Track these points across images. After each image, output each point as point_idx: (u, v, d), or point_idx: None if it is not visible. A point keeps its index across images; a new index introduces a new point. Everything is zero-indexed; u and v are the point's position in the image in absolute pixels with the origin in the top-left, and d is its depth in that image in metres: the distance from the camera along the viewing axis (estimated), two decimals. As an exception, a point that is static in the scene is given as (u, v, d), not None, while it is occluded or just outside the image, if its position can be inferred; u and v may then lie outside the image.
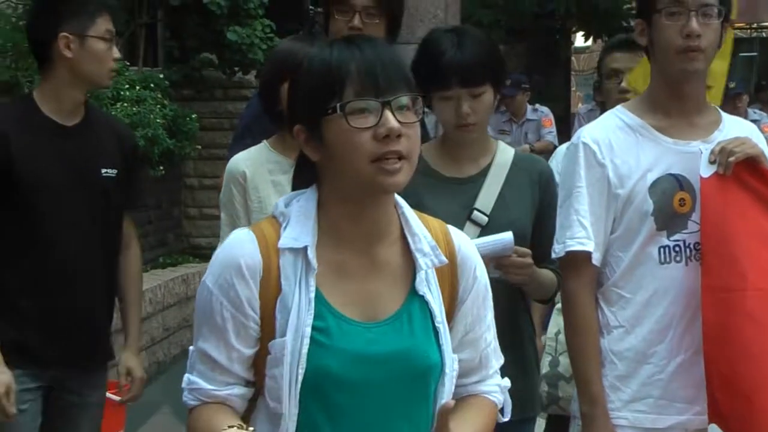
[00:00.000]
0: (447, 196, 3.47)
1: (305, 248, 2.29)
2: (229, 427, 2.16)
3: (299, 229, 2.30)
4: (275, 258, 2.29)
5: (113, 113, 8.68)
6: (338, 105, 2.24)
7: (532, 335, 3.73)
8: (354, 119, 2.24)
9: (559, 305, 4.15)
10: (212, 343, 2.30)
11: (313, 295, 2.27)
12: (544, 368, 4.50)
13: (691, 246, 3.35)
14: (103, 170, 4.07)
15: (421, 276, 2.36)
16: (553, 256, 3.48)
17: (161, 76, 9.90)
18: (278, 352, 2.26)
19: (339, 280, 2.32)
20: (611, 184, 3.38)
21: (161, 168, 9.43)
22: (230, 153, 4.23)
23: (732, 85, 9.11)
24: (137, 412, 5.73)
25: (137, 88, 9.22)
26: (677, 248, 3.35)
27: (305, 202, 2.34)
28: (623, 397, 3.39)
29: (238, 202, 3.74)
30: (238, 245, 2.31)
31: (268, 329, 2.29)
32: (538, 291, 3.56)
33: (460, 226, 3.34)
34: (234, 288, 2.27)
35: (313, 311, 2.26)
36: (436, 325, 2.36)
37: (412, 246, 2.36)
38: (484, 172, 3.54)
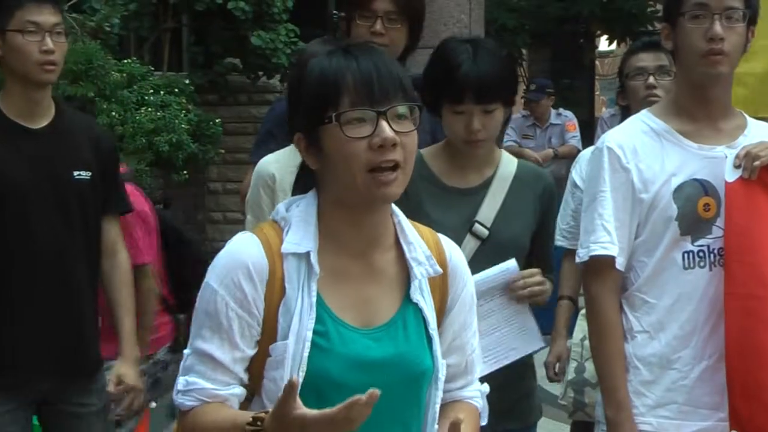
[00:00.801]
0: (449, 206, 3.44)
1: (308, 253, 2.33)
2: (265, 412, 2.16)
3: (301, 234, 2.34)
4: (279, 261, 2.32)
5: (137, 118, 8.72)
6: (334, 115, 2.28)
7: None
8: (349, 129, 2.27)
9: (584, 310, 4.14)
10: (216, 344, 2.31)
11: (314, 299, 2.31)
12: (570, 374, 4.49)
13: (715, 251, 3.33)
14: (76, 173, 3.96)
15: (415, 284, 2.40)
16: (577, 260, 3.47)
17: (186, 81, 9.94)
18: (279, 354, 2.30)
19: (338, 285, 2.36)
20: (635, 189, 3.37)
21: (185, 173, 9.46)
22: (253, 157, 4.23)
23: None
24: (160, 417, 5.72)
25: (162, 93, 9.26)
26: (701, 253, 3.34)
27: (305, 208, 2.37)
28: (647, 402, 3.37)
29: (266, 204, 3.74)
30: (244, 247, 2.34)
31: (269, 332, 2.32)
32: (538, 300, 3.52)
33: (461, 238, 3.35)
34: (241, 289, 2.30)
35: (314, 315, 2.31)
36: (430, 331, 2.41)
37: (408, 254, 2.41)
38: (486, 183, 3.50)
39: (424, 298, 2.41)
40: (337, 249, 2.35)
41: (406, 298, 2.40)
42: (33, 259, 3.89)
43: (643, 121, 3.46)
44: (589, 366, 4.32)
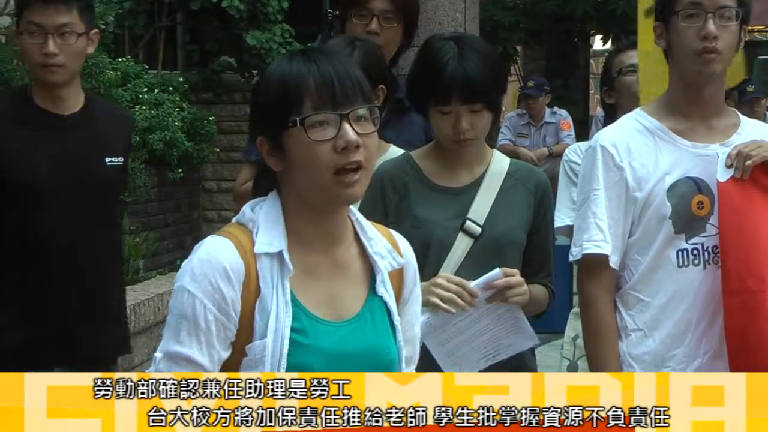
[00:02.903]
0: (440, 206, 3.42)
1: (280, 252, 2.37)
2: None
3: (271, 234, 2.38)
4: (253, 262, 2.36)
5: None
6: (298, 119, 2.33)
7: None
8: (313, 132, 2.33)
9: (576, 309, 4.14)
10: (195, 347, 2.33)
11: (289, 297, 2.36)
12: (563, 373, 4.49)
13: (710, 249, 3.34)
14: (108, 159, 4.01)
15: (379, 278, 2.47)
16: (570, 259, 3.47)
17: (180, 79, 9.93)
18: (258, 353, 2.33)
19: (308, 282, 2.40)
20: (629, 187, 3.37)
21: (180, 171, 9.46)
22: (246, 156, 4.24)
23: (750, 89, 9.06)
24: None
25: (156, 91, 9.25)
26: (695, 251, 3.34)
27: (270, 209, 2.42)
28: (642, 401, 3.38)
29: None
30: (219, 250, 2.36)
31: (244, 332, 2.35)
32: (531, 306, 3.46)
33: (453, 237, 3.34)
34: (220, 291, 2.33)
35: (291, 313, 2.35)
36: (394, 322, 2.48)
37: (369, 249, 2.47)
38: (478, 182, 3.48)
39: (387, 290, 2.48)
40: (304, 247, 2.40)
41: (371, 291, 2.47)
42: (57, 249, 3.91)
43: (636, 119, 3.46)
44: (582, 364, 4.32)
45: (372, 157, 2.39)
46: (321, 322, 2.39)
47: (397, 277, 2.52)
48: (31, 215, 3.89)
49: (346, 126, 2.33)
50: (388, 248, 2.49)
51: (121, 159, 4.05)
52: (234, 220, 2.47)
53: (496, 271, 3.29)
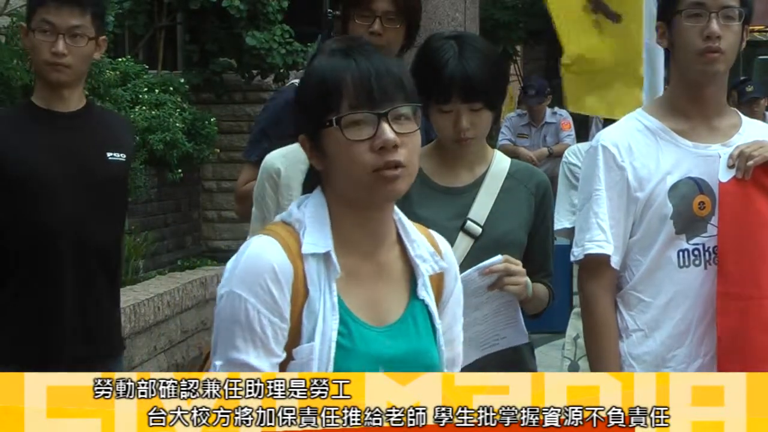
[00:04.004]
0: (440, 205, 3.42)
1: (327, 253, 2.32)
2: None
3: (318, 235, 2.33)
4: (300, 263, 2.31)
5: (132, 117, 8.72)
6: (334, 119, 2.29)
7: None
8: (350, 132, 2.28)
9: (577, 309, 4.14)
10: (252, 353, 2.28)
11: (336, 299, 2.31)
12: (563, 372, 4.49)
13: (710, 250, 3.34)
14: (110, 154, 4.00)
15: (421, 281, 2.43)
16: (572, 259, 3.47)
17: (181, 80, 9.93)
18: (305, 357, 2.29)
19: (351, 285, 2.36)
20: (630, 187, 3.37)
21: (180, 171, 9.46)
22: (247, 155, 4.23)
23: (749, 88, 9.06)
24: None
25: (156, 91, 9.25)
26: (696, 252, 3.34)
27: (315, 208, 2.37)
28: (642, 401, 3.38)
29: (270, 198, 3.72)
30: (267, 251, 2.31)
31: (292, 335, 2.30)
32: (532, 304, 3.46)
33: (453, 237, 3.33)
34: (270, 293, 2.28)
35: (338, 316, 2.31)
36: (436, 326, 2.44)
37: (412, 252, 2.43)
38: (479, 182, 3.47)
39: (428, 294, 2.43)
40: (348, 249, 2.35)
41: (413, 295, 2.42)
42: (60, 243, 3.91)
43: (637, 119, 3.46)
44: (583, 364, 4.33)
45: (414, 156, 2.33)
46: (365, 326, 2.35)
47: (437, 279, 2.48)
48: (34, 211, 3.90)
49: (384, 125, 2.28)
50: (431, 251, 2.45)
51: (123, 155, 4.05)
52: (279, 218, 2.42)
53: (498, 257, 3.30)
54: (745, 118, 3.50)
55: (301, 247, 2.32)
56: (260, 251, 2.31)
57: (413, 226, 2.47)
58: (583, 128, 12.96)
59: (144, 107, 8.99)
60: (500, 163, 3.52)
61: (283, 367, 2.31)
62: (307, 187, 2.44)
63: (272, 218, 3.69)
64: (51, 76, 3.91)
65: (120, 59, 9.33)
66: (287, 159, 3.71)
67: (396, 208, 2.44)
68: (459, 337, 2.57)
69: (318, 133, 2.32)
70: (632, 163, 3.38)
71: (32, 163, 3.89)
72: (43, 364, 3.92)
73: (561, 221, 4.50)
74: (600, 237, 3.37)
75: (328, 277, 2.32)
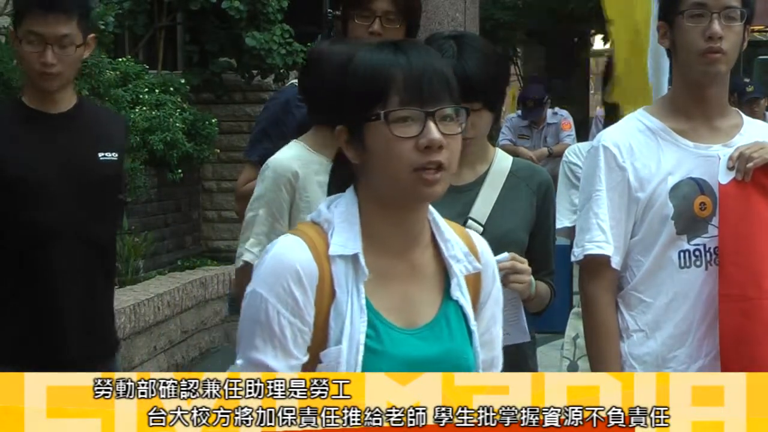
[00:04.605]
0: (442, 203, 3.40)
1: (355, 255, 2.29)
2: None
3: (346, 236, 2.30)
4: (327, 265, 2.28)
5: (132, 117, 8.72)
6: (383, 113, 2.24)
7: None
8: (397, 128, 2.24)
9: (577, 309, 4.14)
10: (270, 354, 2.27)
11: (364, 301, 2.28)
12: (563, 373, 4.49)
13: (711, 250, 3.33)
14: (101, 154, 3.98)
15: (455, 282, 2.39)
16: (572, 259, 3.46)
17: (182, 80, 9.94)
18: (332, 360, 2.27)
19: (382, 286, 2.32)
20: (631, 188, 3.37)
21: (180, 171, 9.46)
22: (248, 155, 4.23)
23: (749, 89, 9.06)
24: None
25: (156, 91, 9.25)
26: (697, 252, 3.34)
27: (346, 208, 2.34)
28: (642, 401, 3.38)
29: (285, 201, 3.69)
30: (291, 251, 2.29)
31: (319, 338, 2.28)
32: (534, 302, 3.44)
33: None
34: (292, 295, 2.26)
35: (366, 318, 2.28)
36: (471, 327, 2.40)
37: (445, 252, 2.39)
38: (480, 180, 3.46)
39: (463, 295, 2.39)
40: (379, 249, 2.32)
41: (446, 296, 2.39)
42: (55, 243, 3.90)
43: (639, 119, 3.46)
44: (582, 364, 4.33)
45: (454, 159, 2.30)
46: (395, 329, 2.32)
47: (474, 279, 2.43)
48: (27, 211, 3.88)
49: (431, 125, 2.24)
50: (465, 251, 2.41)
51: (115, 154, 4.01)
52: (309, 218, 2.39)
53: (505, 254, 3.29)
54: (746, 118, 3.50)
55: (329, 248, 2.29)
56: (285, 251, 2.29)
57: (448, 226, 2.43)
58: (583, 128, 12.97)
59: (144, 107, 8.99)
60: (502, 161, 3.52)
61: (309, 370, 2.28)
62: (334, 186, 2.41)
63: (283, 221, 3.69)
64: (42, 85, 3.90)
65: (120, 59, 9.34)
66: (301, 161, 3.70)
67: (431, 207, 2.40)
68: (497, 339, 2.52)
69: (360, 126, 2.28)
70: (633, 164, 3.38)
71: (24, 164, 3.87)
72: (42, 364, 3.92)
73: (561, 220, 4.50)
74: (600, 237, 3.37)
75: (356, 279, 2.29)
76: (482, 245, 2.49)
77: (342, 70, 2.37)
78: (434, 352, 2.33)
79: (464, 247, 2.41)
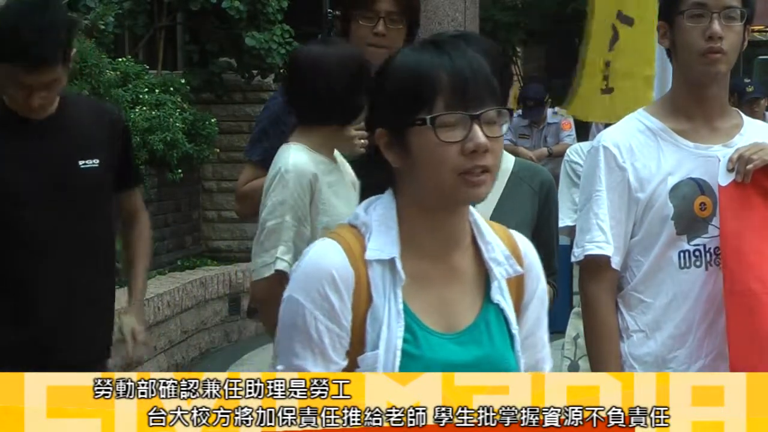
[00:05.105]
0: None
1: (392, 259, 2.27)
2: None
3: (383, 240, 2.27)
4: (364, 269, 2.26)
5: (132, 117, 8.73)
6: (429, 118, 2.20)
7: None
8: (442, 132, 2.20)
9: (577, 309, 4.14)
10: (309, 360, 2.25)
11: (401, 306, 2.26)
12: (563, 373, 4.49)
13: (711, 250, 3.33)
14: (82, 162, 3.91)
15: (495, 285, 2.35)
16: (572, 259, 3.46)
17: (182, 80, 9.94)
18: (369, 365, 2.25)
19: (420, 290, 2.30)
20: (631, 188, 3.37)
21: (180, 171, 9.46)
22: (248, 155, 4.23)
23: (750, 89, 9.06)
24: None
25: (156, 91, 9.25)
26: (697, 253, 3.34)
27: (384, 211, 2.30)
28: (642, 401, 3.37)
29: (307, 204, 3.69)
30: (327, 255, 2.26)
31: (356, 342, 2.26)
32: None
33: None
34: (328, 300, 2.24)
35: (403, 323, 2.25)
36: (512, 331, 2.36)
37: (486, 255, 2.35)
38: None
39: (504, 298, 2.36)
40: (418, 252, 2.29)
41: (487, 299, 2.35)
42: (34, 253, 3.87)
43: (639, 120, 3.46)
44: (583, 364, 4.33)
45: (498, 162, 2.26)
46: (433, 333, 2.29)
47: (517, 282, 2.39)
48: (10, 221, 3.84)
49: (477, 128, 2.20)
50: (506, 254, 2.37)
51: (96, 160, 3.93)
52: (347, 221, 2.35)
53: None
54: (746, 119, 3.50)
55: (365, 252, 2.27)
56: (321, 256, 2.27)
57: (490, 228, 2.39)
58: (584, 128, 12.96)
59: (144, 107, 8.99)
60: (504, 161, 3.51)
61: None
62: (371, 185, 2.37)
63: (308, 225, 3.66)
64: (29, 116, 3.83)
65: (120, 59, 9.34)
66: (314, 163, 3.68)
67: (472, 209, 2.36)
68: (542, 342, 2.47)
69: (402, 130, 2.24)
70: (633, 164, 3.38)
71: (4, 172, 3.82)
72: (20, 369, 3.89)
73: (563, 219, 4.50)
74: (600, 238, 3.37)
75: (394, 283, 2.26)
76: (526, 246, 2.45)
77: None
78: (473, 356, 2.30)
79: (505, 250, 2.37)
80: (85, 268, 3.96)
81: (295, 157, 3.70)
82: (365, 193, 2.39)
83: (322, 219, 3.67)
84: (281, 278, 3.67)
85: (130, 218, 4.24)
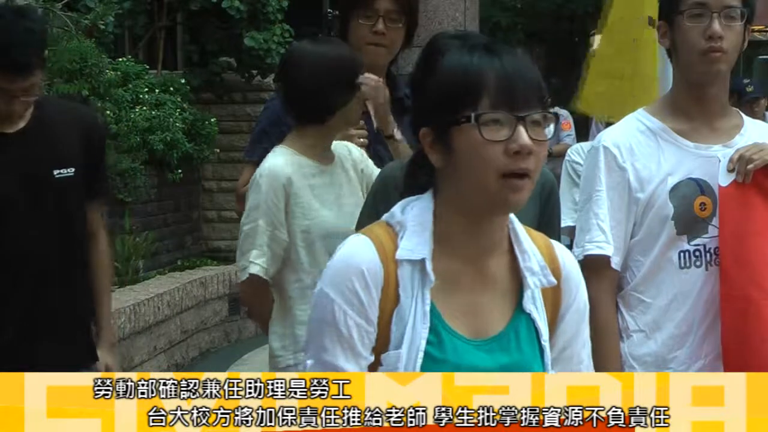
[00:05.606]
0: None
1: (423, 260, 2.26)
2: None
3: (416, 240, 2.27)
4: (393, 267, 2.26)
5: (132, 117, 8.74)
6: (474, 115, 2.20)
7: None
8: (487, 131, 2.19)
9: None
10: (340, 354, 2.25)
11: (428, 308, 2.25)
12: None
13: (711, 251, 3.33)
14: (56, 171, 3.90)
15: (528, 294, 2.33)
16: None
17: (182, 80, 9.95)
18: (392, 364, 2.25)
19: (450, 293, 2.29)
20: (632, 188, 3.37)
21: (179, 171, 9.47)
22: (248, 155, 4.23)
23: (749, 89, 9.05)
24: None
25: (157, 91, 9.26)
26: (697, 253, 3.34)
27: (421, 212, 2.30)
28: (642, 401, 3.38)
29: (281, 208, 3.71)
30: (359, 252, 2.27)
31: (381, 340, 2.27)
32: None
33: None
34: (358, 295, 2.24)
35: (428, 324, 2.25)
36: (542, 343, 2.35)
37: (522, 263, 2.33)
38: None
39: (536, 308, 2.34)
40: (451, 254, 2.29)
41: (519, 308, 2.34)
42: (11, 263, 3.85)
43: (639, 120, 3.45)
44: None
45: (540, 167, 2.24)
46: (460, 338, 2.29)
47: (553, 292, 2.37)
48: None
49: (521, 129, 2.19)
50: (542, 264, 2.34)
51: (71, 169, 3.91)
52: (383, 218, 2.35)
53: None
54: (747, 119, 3.50)
55: (396, 252, 2.26)
56: (352, 252, 2.27)
57: (528, 236, 2.37)
58: (584, 128, 12.96)
59: (144, 107, 9.01)
60: None
61: (372, 371, 2.27)
62: (410, 185, 2.36)
63: (283, 229, 3.68)
64: (5, 121, 3.83)
65: (120, 59, 9.35)
66: (293, 166, 3.70)
67: (512, 217, 2.35)
68: (578, 357, 2.44)
69: (447, 129, 2.23)
70: (633, 164, 3.38)
71: None
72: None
73: (564, 219, 4.50)
74: (600, 238, 3.37)
75: (422, 284, 2.26)
76: (565, 256, 2.43)
77: (426, 70, 2.32)
78: (499, 364, 2.29)
79: (542, 260, 2.35)
80: (62, 276, 3.94)
81: (271, 161, 3.73)
82: (405, 193, 2.37)
83: (302, 223, 3.70)
84: (259, 280, 3.71)
85: (88, 237, 4.14)
